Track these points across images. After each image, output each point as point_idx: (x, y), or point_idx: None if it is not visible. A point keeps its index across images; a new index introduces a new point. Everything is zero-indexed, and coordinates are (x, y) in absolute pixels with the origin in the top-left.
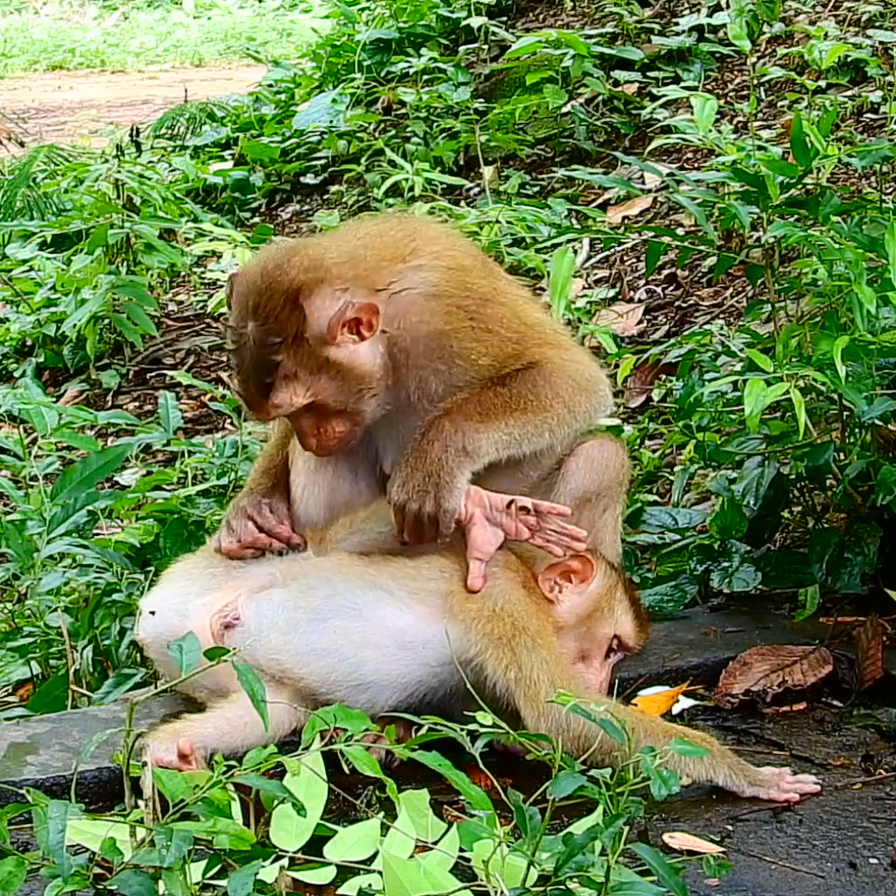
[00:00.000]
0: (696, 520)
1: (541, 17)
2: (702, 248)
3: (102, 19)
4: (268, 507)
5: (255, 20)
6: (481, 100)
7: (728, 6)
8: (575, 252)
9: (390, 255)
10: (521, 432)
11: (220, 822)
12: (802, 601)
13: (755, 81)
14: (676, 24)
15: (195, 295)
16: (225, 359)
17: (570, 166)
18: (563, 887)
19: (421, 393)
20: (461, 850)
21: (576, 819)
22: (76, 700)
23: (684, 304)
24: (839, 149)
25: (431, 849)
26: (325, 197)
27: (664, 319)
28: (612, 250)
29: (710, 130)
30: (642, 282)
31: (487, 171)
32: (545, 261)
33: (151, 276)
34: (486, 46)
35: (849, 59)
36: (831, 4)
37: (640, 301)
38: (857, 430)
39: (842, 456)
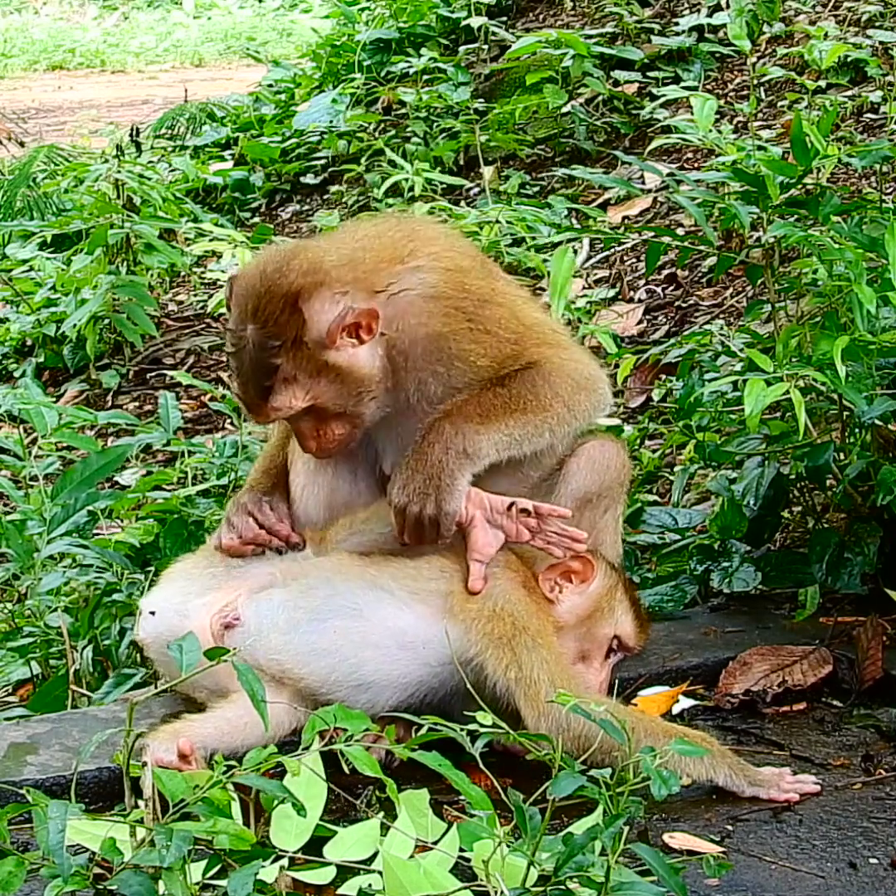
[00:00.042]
0: (696, 520)
1: (541, 17)
2: (702, 248)
3: (102, 19)
4: (268, 504)
5: (255, 20)
6: (481, 100)
7: (728, 6)
8: (575, 252)
9: (389, 256)
10: (521, 433)
11: (220, 822)
12: (802, 601)
13: (755, 81)
14: (676, 24)
15: (195, 295)
16: (225, 359)
17: (570, 166)
18: (563, 887)
19: (420, 395)
20: (461, 850)
21: (576, 819)
22: (76, 700)
23: (684, 304)
24: (839, 149)
25: (431, 849)
26: (325, 197)
27: (664, 319)
28: (612, 250)
29: (710, 130)
30: (642, 282)
31: (487, 171)
32: (545, 261)
33: (151, 276)
34: (486, 46)
35: (849, 59)
36: (831, 4)
37: (640, 301)
38: (857, 430)
39: (842, 456)
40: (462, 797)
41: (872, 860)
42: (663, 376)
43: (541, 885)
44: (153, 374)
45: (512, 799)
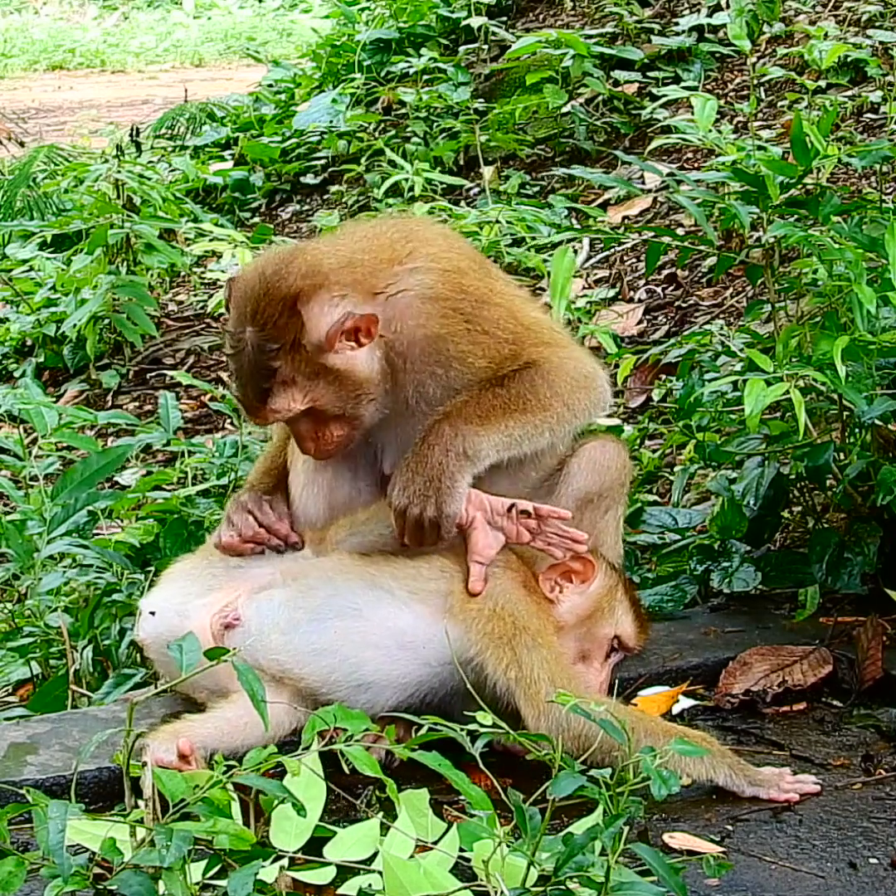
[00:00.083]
0: (696, 520)
1: (541, 17)
2: (702, 248)
3: (102, 19)
4: (268, 504)
5: (255, 20)
6: (481, 100)
7: (728, 6)
8: (575, 252)
9: (387, 257)
10: (521, 433)
11: (220, 822)
12: (802, 601)
13: (755, 81)
14: (676, 24)
15: (195, 295)
16: (224, 359)
17: (570, 166)
18: (563, 887)
19: (419, 396)
20: (461, 850)
21: (576, 819)
22: (76, 700)
23: (684, 304)
24: (839, 149)
25: (431, 849)
26: (325, 197)
27: (664, 319)
28: (612, 250)
29: (710, 130)
30: (642, 282)
31: (487, 171)
32: (545, 261)
33: (151, 276)
34: (486, 46)
35: (849, 59)
36: (831, 4)
37: (640, 301)
38: (857, 430)
39: (842, 456)
40: (462, 797)
41: (872, 860)
42: (663, 376)
43: (541, 885)
44: (153, 374)
45: (512, 799)
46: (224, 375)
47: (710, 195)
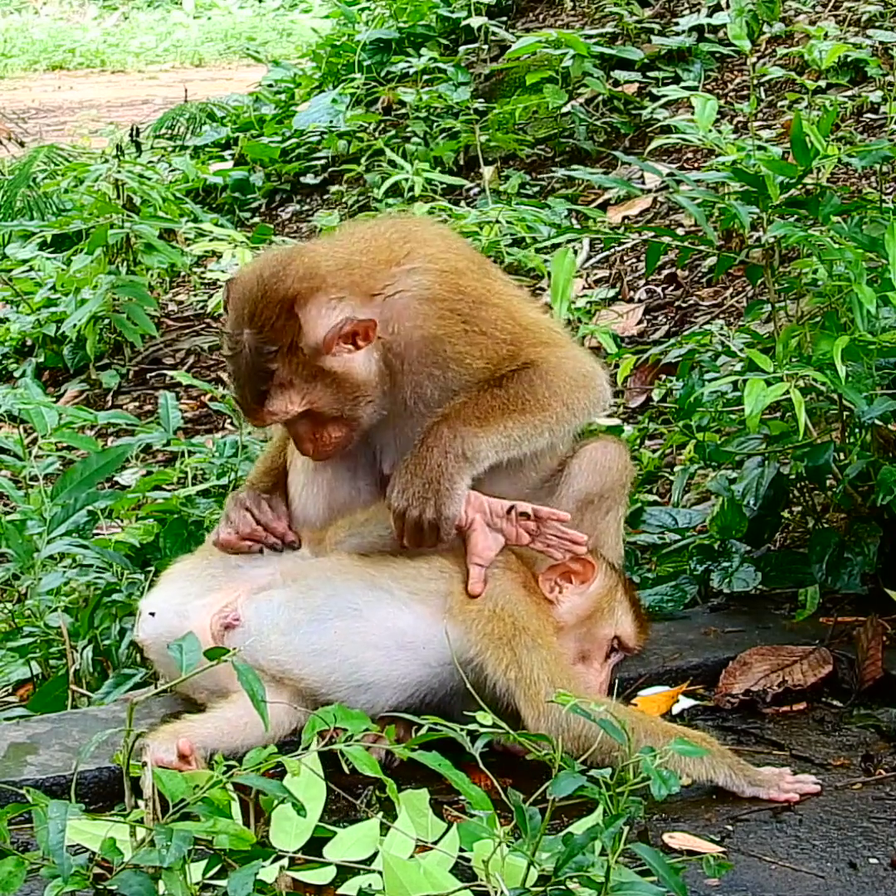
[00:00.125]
0: (696, 520)
1: (541, 17)
2: (702, 248)
3: (102, 19)
4: (267, 502)
5: (255, 20)
6: (481, 100)
7: (728, 6)
8: (575, 252)
9: (385, 258)
10: (520, 433)
11: (220, 822)
12: (802, 601)
13: (755, 81)
14: (676, 24)
15: (195, 295)
16: (223, 360)
17: (570, 166)
18: (563, 887)
19: (417, 397)
20: (461, 850)
21: (576, 819)
22: (76, 700)
23: (684, 304)
24: (839, 149)
25: (431, 849)
26: (325, 197)
27: (664, 319)
28: (612, 250)
29: (710, 130)
30: (642, 282)
31: (487, 171)
32: (545, 261)
33: (151, 276)
34: (486, 46)
35: (849, 59)
36: (831, 4)
37: (640, 301)
38: (857, 430)
39: (842, 456)
40: (462, 797)
41: (872, 860)
42: (663, 376)
43: (541, 885)
44: (153, 374)
45: (512, 799)
46: (224, 375)
47: (710, 195)
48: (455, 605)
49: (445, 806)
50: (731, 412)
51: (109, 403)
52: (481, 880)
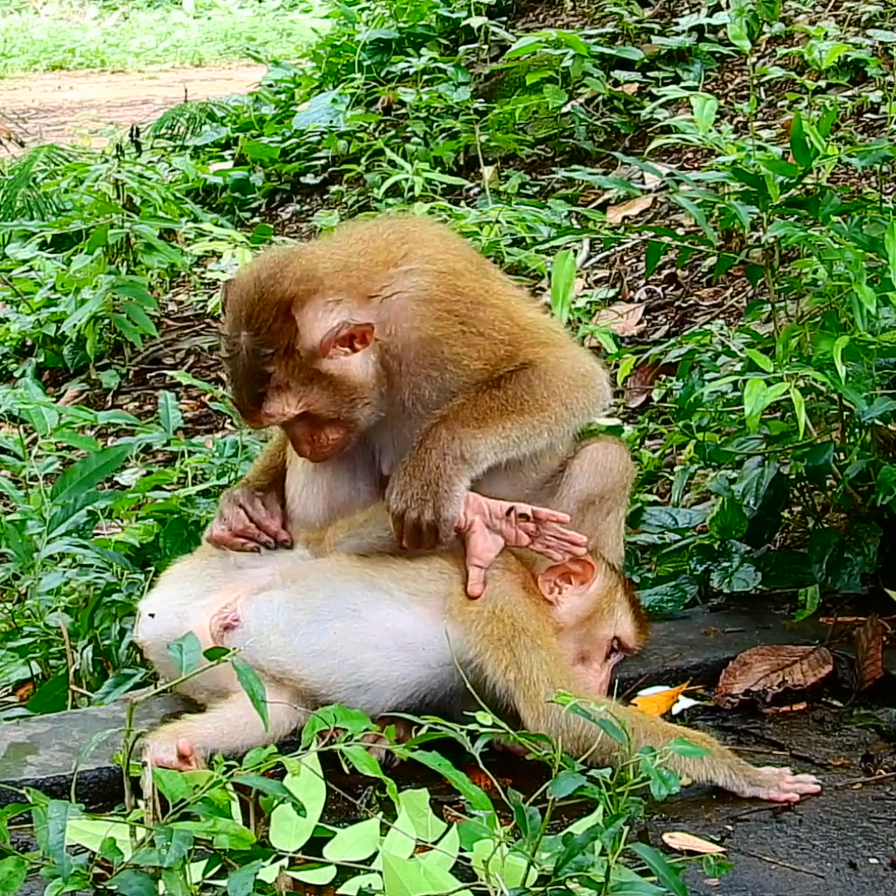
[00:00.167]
0: (696, 520)
1: (541, 17)
2: (702, 248)
3: (102, 19)
4: (260, 500)
5: (255, 20)
6: (481, 100)
7: (728, 6)
8: (575, 252)
9: (383, 259)
10: (519, 434)
11: (220, 822)
12: (802, 601)
13: (755, 81)
14: (676, 24)
15: (195, 295)
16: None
17: (570, 166)
18: (563, 887)
19: (415, 399)
20: (461, 849)
21: (576, 819)
22: (76, 700)
23: (684, 304)
24: (839, 149)
25: (431, 849)
26: (325, 197)
27: (664, 319)
28: (612, 250)
29: (710, 130)
30: (642, 282)
31: (487, 171)
32: (545, 261)
33: (151, 276)
34: (486, 46)
35: (849, 59)
36: (831, 4)
37: (640, 301)
38: (857, 430)
39: (842, 456)
40: (462, 797)
41: (872, 860)
42: (663, 376)
43: (541, 885)
44: (153, 374)
45: (512, 799)
46: (223, 376)
47: (710, 195)
48: (454, 607)
49: (445, 806)
50: (731, 412)
51: (109, 403)
52: (481, 880)
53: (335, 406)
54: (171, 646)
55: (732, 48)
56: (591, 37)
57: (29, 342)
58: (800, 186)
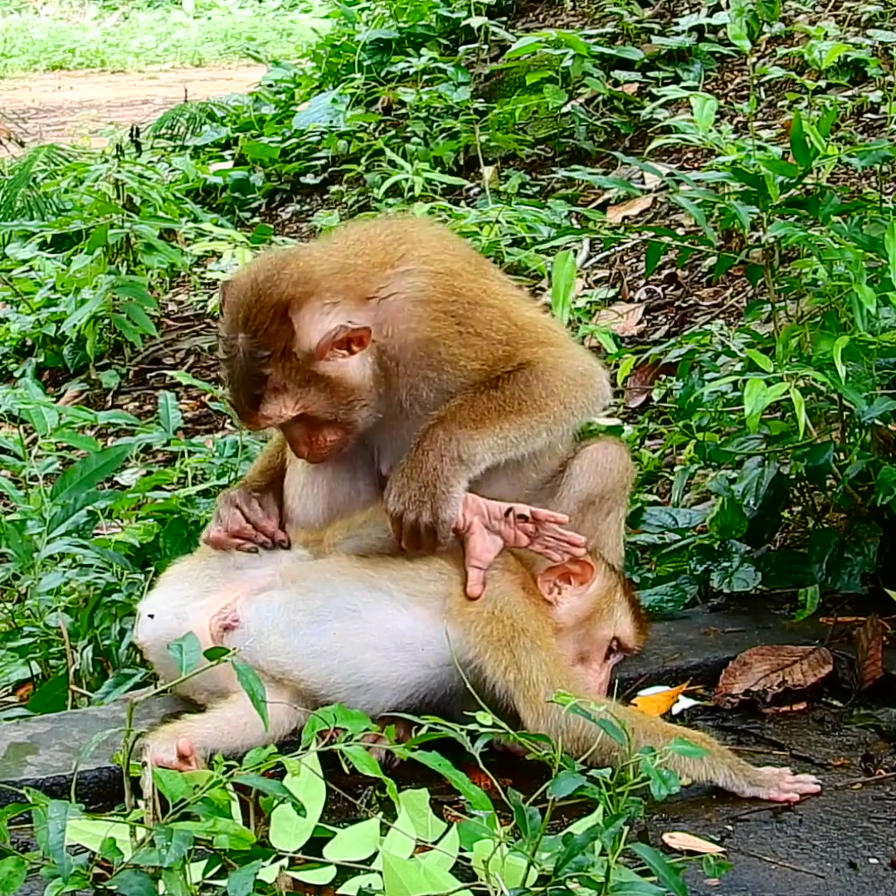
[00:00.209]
0: (696, 520)
1: (541, 17)
2: (702, 248)
3: (102, 19)
4: (257, 501)
5: (255, 20)
6: (481, 100)
7: (728, 6)
8: (575, 252)
9: (380, 260)
10: (517, 434)
11: (220, 822)
12: (802, 601)
13: (755, 81)
14: (676, 24)
15: (195, 295)
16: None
17: (570, 166)
18: (563, 887)
19: (413, 399)
20: (461, 849)
21: (576, 819)
22: (76, 700)
23: (684, 304)
24: (839, 149)
25: (431, 849)
26: (325, 197)
27: (664, 319)
28: (612, 250)
29: (710, 130)
30: (642, 282)
31: (487, 171)
32: (545, 261)
33: (151, 276)
34: (486, 46)
35: (849, 59)
36: (831, 4)
37: (640, 301)
38: (857, 430)
39: (842, 456)
40: (462, 797)
41: (872, 860)
42: (663, 376)
43: (541, 885)
44: (153, 374)
45: (512, 799)
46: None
47: (710, 195)
48: (454, 607)
49: (445, 806)
50: (731, 412)
51: (109, 403)
52: (481, 880)
53: (332, 408)
54: (171, 646)
55: (732, 48)
56: (591, 37)
57: (29, 342)
58: (800, 186)
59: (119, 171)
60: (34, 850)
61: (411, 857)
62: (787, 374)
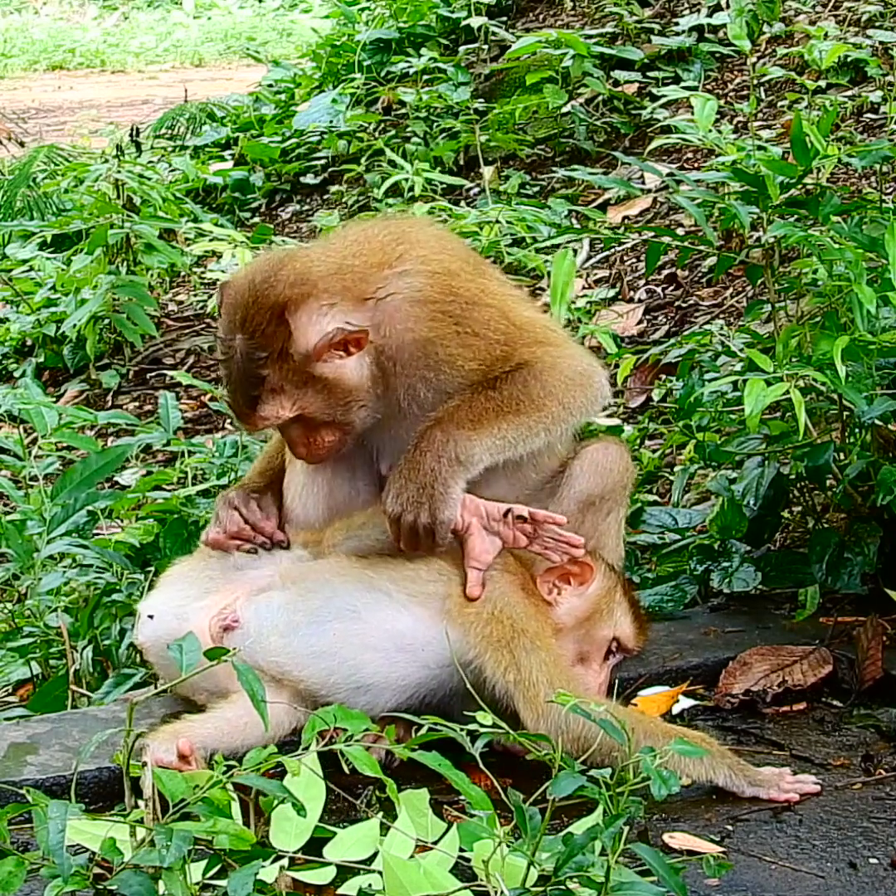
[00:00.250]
0: (696, 520)
1: (541, 17)
2: (702, 248)
3: (102, 19)
4: (256, 502)
5: (255, 20)
6: (481, 100)
7: (728, 6)
8: (575, 252)
9: (377, 261)
10: (515, 435)
11: (220, 822)
12: (802, 601)
13: (755, 81)
14: (676, 24)
15: (195, 295)
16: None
17: (570, 166)
18: (563, 887)
19: (411, 399)
20: (461, 849)
21: (576, 819)
22: (76, 700)
23: (684, 304)
24: (839, 149)
25: (431, 849)
26: (325, 197)
27: (664, 319)
28: (612, 250)
29: (710, 130)
30: (642, 282)
31: (487, 171)
32: (545, 261)
33: (151, 276)
34: (486, 46)
35: (849, 59)
36: (831, 4)
37: (640, 301)
38: (857, 430)
39: (842, 456)
40: (462, 797)
41: (872, 860)
42: (663, 376)
43: (541, 885)
44: (153, 374)
45: (512, 799)
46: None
47: (710, 195)
48: (453, 608)
49: (445, 806)
50: (731, 412)
51: (109, 403)
52: (481, 880)
53: (330, 409)
54: (171, 646)
55: (732, 48)
56: (591, 37)
57: (29, 342)
58: (800, 186)
59: (119, 171)
60: (34, 850)
61: (411, 857)
62: (787, 374)
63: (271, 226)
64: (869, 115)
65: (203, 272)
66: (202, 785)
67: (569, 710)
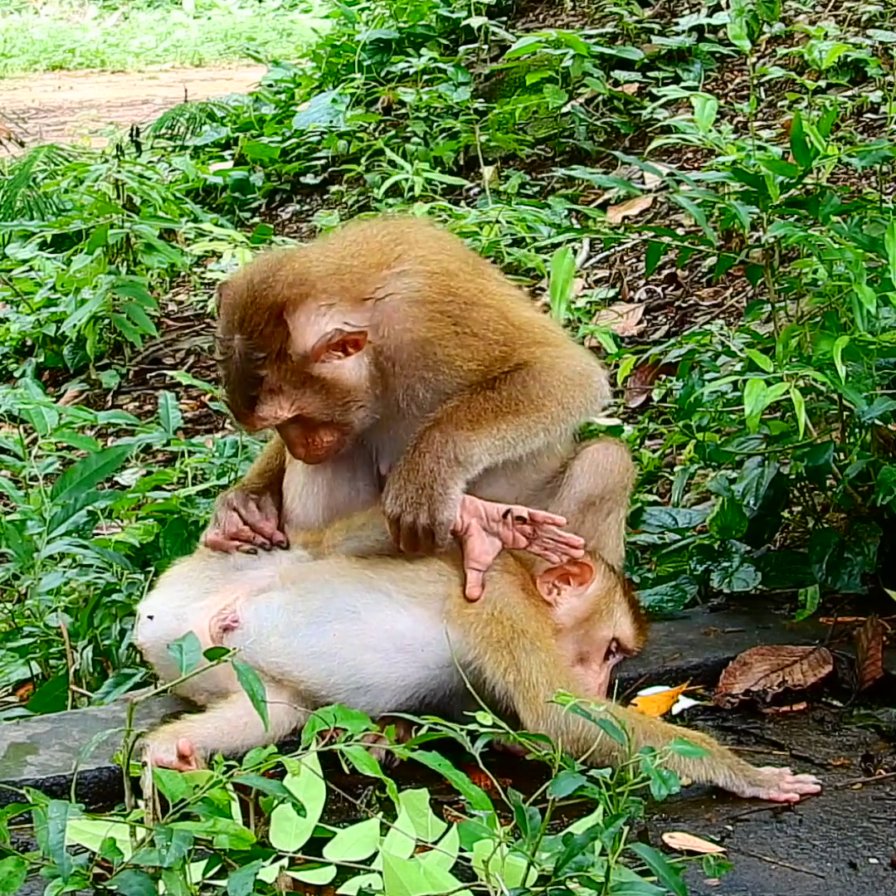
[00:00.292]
0: (696, 520)
1: (541, 17)
2: (702, 248)
3: (102, 19)
4: (255, 502)
5: (255, 20)
6: (481, 100)
7: (728, 6)
8: (575, 252)
9: (376, 261)
10: (514, 435)
11: (220, 822)
12: (802, 601)
13: (755, 81)
14: (676, 24)
15: (195, 295)
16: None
17: (570, 166)
18: (563, 887)
19: (410, 400)
20: (461, 849)
21: (576, 819)
22: (76, 700)
23: (684, 304)
24: (839, 149)
25: (431, 849)
26: (325, 197)
27: (664, 319)
28: (612, 250)
29: (710, 130)
30: (642, 282)
31: (487, 171)
32: (545, 261)
33: (151, 276)
34: (486, 46)
35: (849, 59)
36: (831, 4)
37: (640, 301)
38: (857, 430)
39: (842, 456)
40: (462, 797)
41: (872, 860)
42: (663, 376)
43: (541, 885)
44: (153, 374)
45: (512, 799)
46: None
47: (710, 195)
48: (453, 608)
49: (445, 806)
50: (731, 412)
51: (109, 403)
52: (481, 880)
53: (328, 409)
54: (171, 646)
55: (732, 48)
56: (591, 37)
57: (29, 342)
58: (800, 186)
59: (119, 171)
60: (34, 850)
61: (411, 857)
62: (787, 374)
63: (271, 226)
64: (869, 115)
65: (203, 272)
66: (202, 785)
67: (569, 710)
